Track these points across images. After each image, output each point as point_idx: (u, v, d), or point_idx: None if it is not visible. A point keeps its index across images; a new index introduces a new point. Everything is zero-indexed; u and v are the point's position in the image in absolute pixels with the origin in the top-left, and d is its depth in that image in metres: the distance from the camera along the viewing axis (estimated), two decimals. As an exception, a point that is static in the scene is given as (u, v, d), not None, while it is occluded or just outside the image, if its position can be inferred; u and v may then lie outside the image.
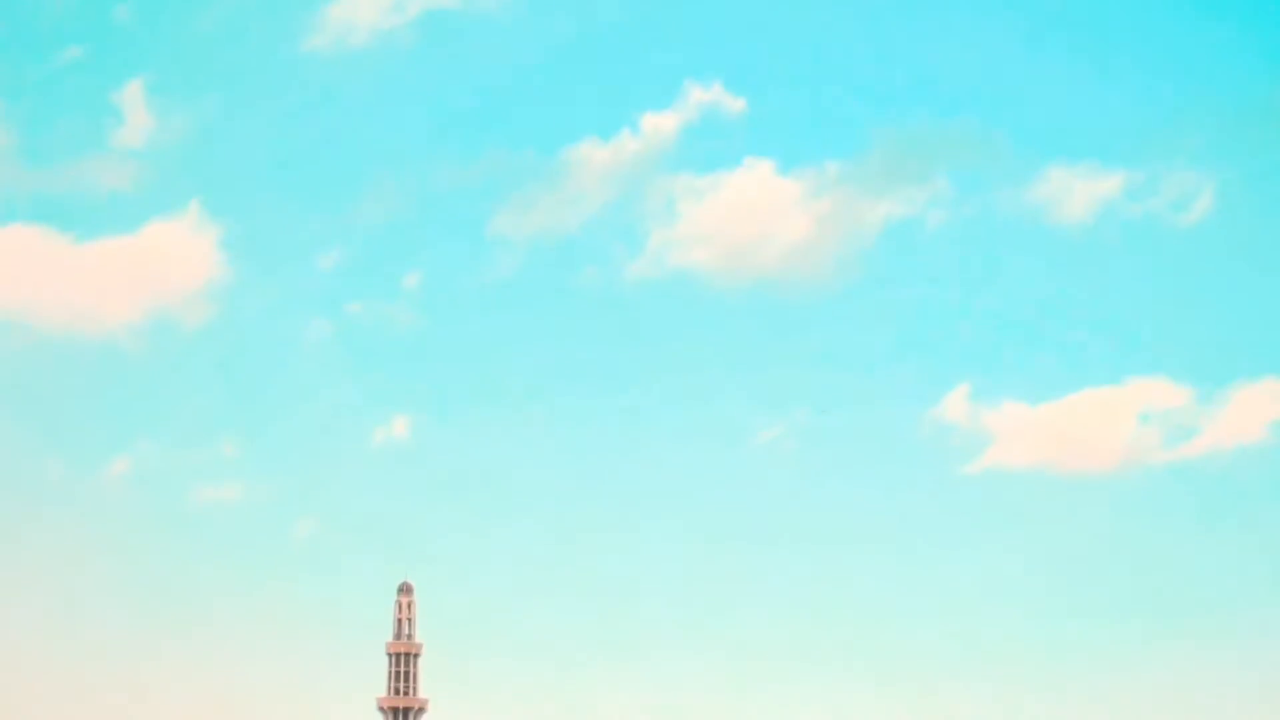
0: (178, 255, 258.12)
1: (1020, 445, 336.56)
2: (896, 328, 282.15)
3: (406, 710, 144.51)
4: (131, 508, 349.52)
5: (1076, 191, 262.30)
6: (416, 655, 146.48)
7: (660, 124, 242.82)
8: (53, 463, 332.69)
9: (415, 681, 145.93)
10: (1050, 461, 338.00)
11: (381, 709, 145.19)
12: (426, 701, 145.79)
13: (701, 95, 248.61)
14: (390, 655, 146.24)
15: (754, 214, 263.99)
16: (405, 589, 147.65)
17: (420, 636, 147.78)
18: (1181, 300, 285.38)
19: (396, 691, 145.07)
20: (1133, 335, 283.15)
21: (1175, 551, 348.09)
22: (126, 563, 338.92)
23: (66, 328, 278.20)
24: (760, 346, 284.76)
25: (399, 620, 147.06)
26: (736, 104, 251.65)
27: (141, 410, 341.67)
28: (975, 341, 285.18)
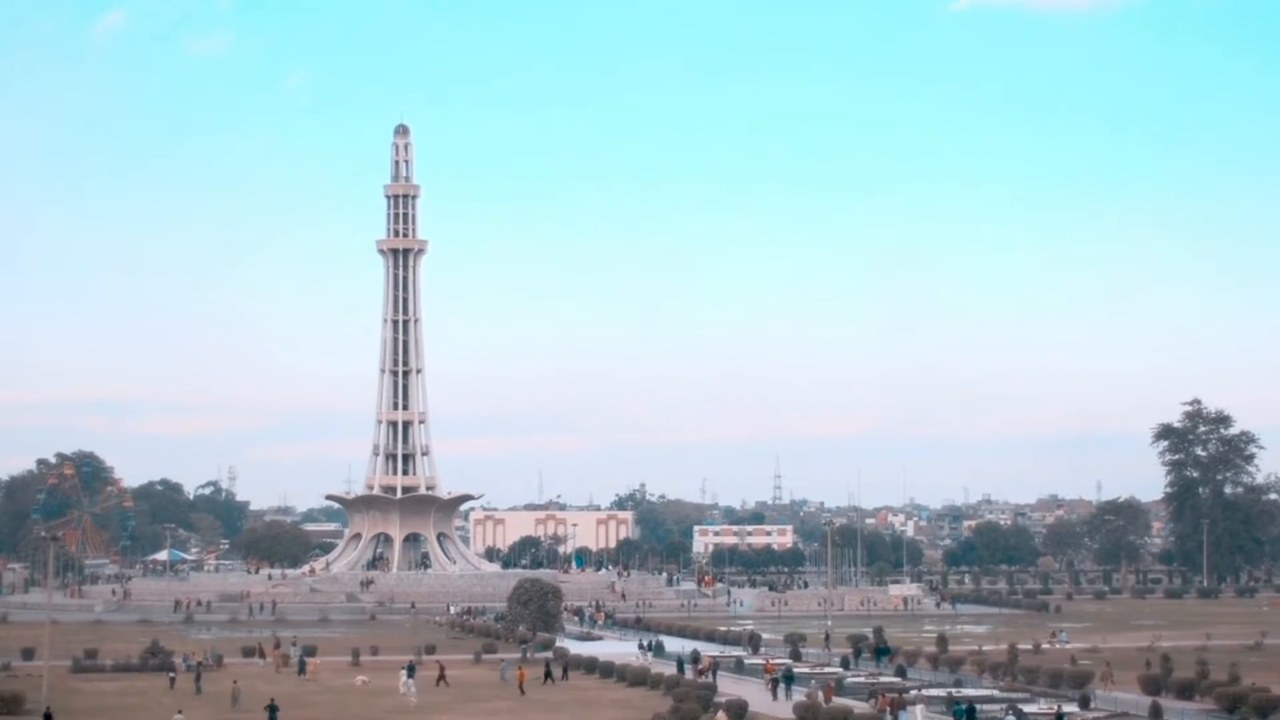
0: None
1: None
2: None
3: (406, 251, 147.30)
4: (124, 61, 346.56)
5: None
6: (414, 197, 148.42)
7: None
8: (42, 21, 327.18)
9: (414, 224, 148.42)
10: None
11: (381, 251, 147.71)
12: (426, 243, 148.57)
13: None
14: (389, 198, 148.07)
15: None
16: (401, 131, 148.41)
17: (418, 179, 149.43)
18: None
19: (395, 234, 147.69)
20: None
21: (1155, 86, 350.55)
22: (121, 117, 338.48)
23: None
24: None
25: (396, 163, 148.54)
26: None
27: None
28: None
